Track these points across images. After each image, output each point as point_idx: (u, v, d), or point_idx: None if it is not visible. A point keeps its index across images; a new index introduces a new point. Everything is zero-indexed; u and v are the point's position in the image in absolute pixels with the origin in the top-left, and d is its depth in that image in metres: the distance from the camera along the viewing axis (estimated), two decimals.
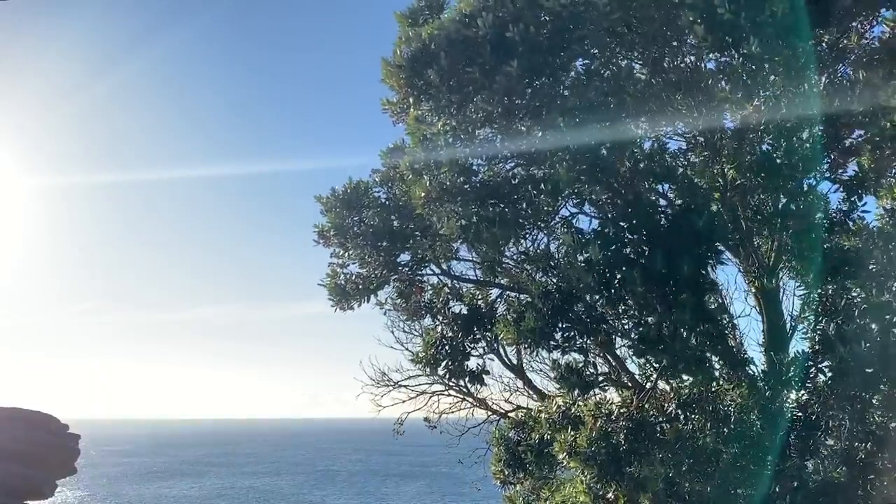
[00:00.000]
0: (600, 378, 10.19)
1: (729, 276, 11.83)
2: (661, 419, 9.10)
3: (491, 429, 11.89)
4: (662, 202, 9.74)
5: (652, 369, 9.57)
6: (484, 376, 11.57)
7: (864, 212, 8.72)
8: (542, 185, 9.12)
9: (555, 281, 9.60)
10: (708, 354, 8.63)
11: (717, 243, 8.69)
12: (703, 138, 9.23)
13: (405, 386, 12.42)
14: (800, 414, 8.58)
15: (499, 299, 11.57)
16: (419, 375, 12.24)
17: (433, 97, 8.76)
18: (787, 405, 8.47)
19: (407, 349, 12.24)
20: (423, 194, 8.93)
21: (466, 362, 11.42)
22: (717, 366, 8.95)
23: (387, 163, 10.74)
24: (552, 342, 9.24)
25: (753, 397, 8.52)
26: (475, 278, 11.74)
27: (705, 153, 9.43)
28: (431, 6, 10.05)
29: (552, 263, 9.80)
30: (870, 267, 8.16)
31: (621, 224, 8.92)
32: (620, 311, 9.10)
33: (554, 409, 9.77)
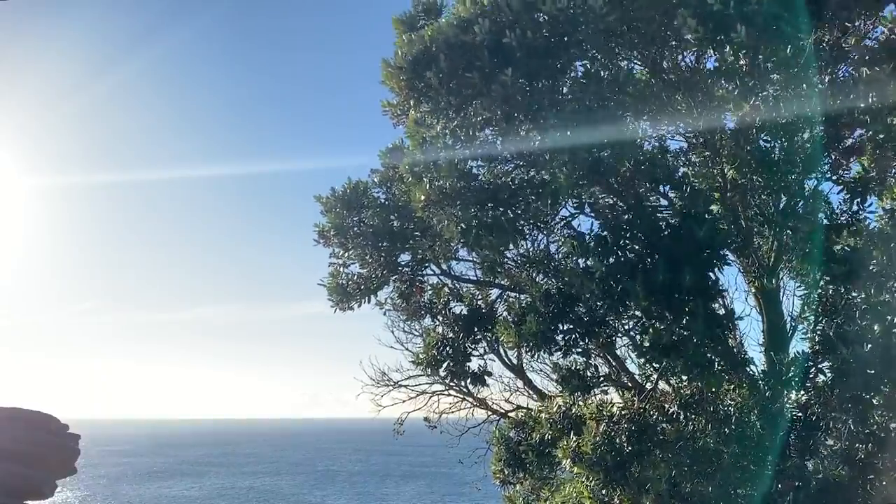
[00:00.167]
0: (601, 379, 10.19)
1: (729, 277, 11.84)
2: (662, 420, 9.10)
3: (491, 429, 11.89)
4: (664, 202, 9.74)
5: (652, 370, 9.57)
6: (486, 377, 11.56)
7: (869, 212, 8.71)
8: (542, 188, 9.12)
9: (555, 283, 9.59)
10: (716, 359, 8.61)
11: (719, 249, 8.67)
12: (703, 138, 9.23)
13: (405, 386, 12.44)
14: (800, 414, 8.58)
15: (499, 300, 11.56)
16: (419, 375, 12.25)
17: (433, 100, 8.74)
18: (788, 405, 8.47)
19: (407, 349, 12.26)
20: (422, 197, 8.93)
21: (468, 363, 11.42)
22: (722, 370, 8.95)
23: (386, 163, 10.73)
24: (554, 345, 9.23)
25: (754, 398, 8.51)
26: (475, 278, 11.73)
27: (705, 153, 9.42)
28: (428, 10, 10.06)
29: (552, 266, 9.79)
30: (870, 268, 8.15)
31: (622, 229, 8.91)
32: (622, 312, 9.09)
33: (555, 408, 9.77)
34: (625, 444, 8.61)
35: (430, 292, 11.84)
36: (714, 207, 9.11)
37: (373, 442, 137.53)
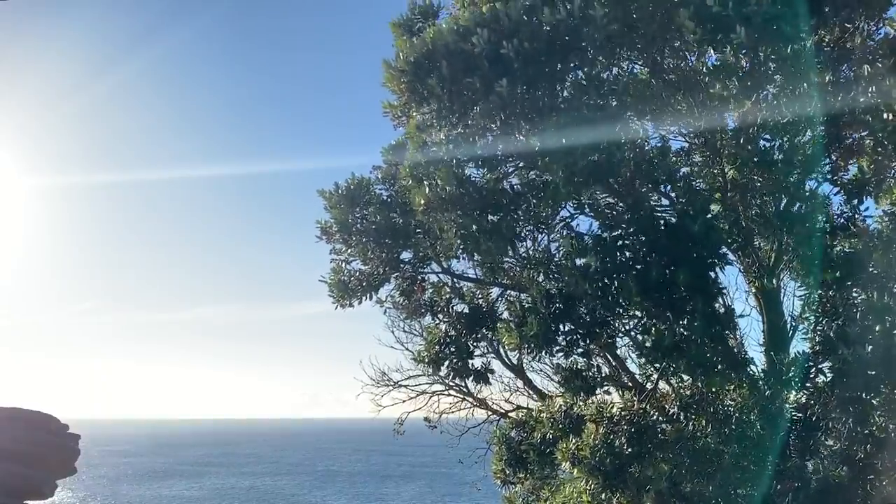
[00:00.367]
0: (603, 380, 10.18)
1: (729, 276, 11.84)
2: (662, 420, 9.10)
3: (491, 429, 11.88)
4: (665, 202, 9.74)
5: (653, 370, 9.56)
6: (489, 375, 11.53)
7: (866, 215, 8.71)
8: (542, 192, 9.12)
9: (556, 284, 9.58)
10: (717, 359, 8.61)
11: (716, 247, 8.66)
12: (703, 138, 9.22)
13: (405, 386, 12.43)
14: (800, 414, 8.58)
15: (500, 298, 11.54)
16: (419, 375, 12.24)
17: (434, 104, 8.73)
18: (788, 406, 8.46)
19: (407, 349, 12.25)
20: (422, 202, 8.92)
21: (470, 361, 11.38)
22: (718, 367, 8.94)
23: (388, 160, 10.71)
24: (555, 346, 9.21)
25: (754, 398, 8.51)
26: (476, 277, 11.71)
27: (706, 153, 9.42)
28: (425, 13, 10.04)
29: (553, 267, 9.78)
30: (870, 269, 8.15)
31: (621, 228, 8.91)
32: (622, 312, 9.09)
33: (556, 408, 9.76)
34: (624, 446, 8.61)
35: (431, 290, 11.82)
36: (715, 207, 9.11)
37: (373, 442, 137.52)
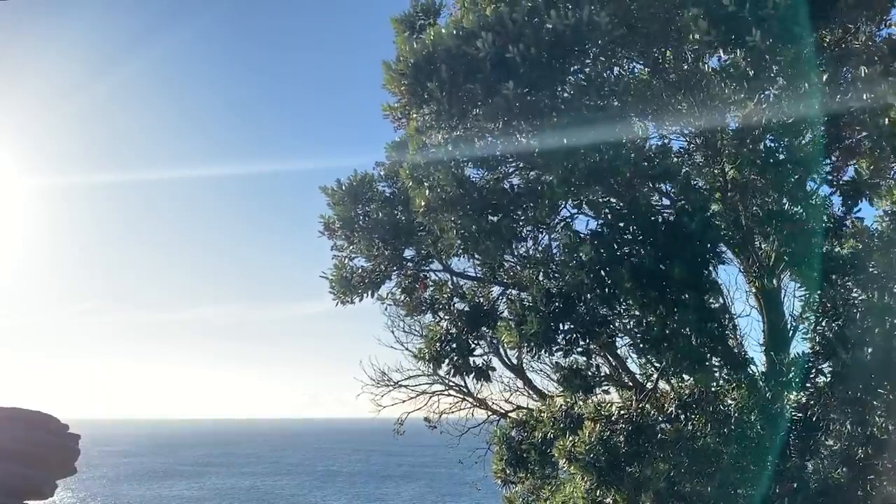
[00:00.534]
0: (602, 379, 10.19)
1: (730, 276, 11.83)
2: (661, 420, 9.10)
3: (491, 429, 11.88)
4: (665, 201, 9.74)
5: (653, 369, 9.57)
6: (490, 373, 11.52)
7: (859, 218, 8.73)
8: (541, 193, 9.12)
9: (555, 283, 9.59)
10: (708, 354, 8.61)
11: (712, 244, 8.67)
12: (703, 138, 9.22)
13: (405, 386, 12.43)
14: (800, 415, 8.58)
15: (500, 297, 11.54)
16: (419, 375, 12.25)
17: (434, 107, 8.72)
18: (788, 406, 8.46)
19: (407, 349, 12.24)
20: (423, 203, 8.92)
21: (472, 358, 11.37)
22: (717, 366, 8.94)
23: (391, 157, 10.67)
24: (555, 345, 9.22)
25: (754, 398, 8.51)
26: (477, 276, 11.71)
27: (707, 153, 9.42)
28: (427, 11, 10.03)
29: (552, 266, 9.78)
30: (870, 269, 8.15)
31: (619, 225, 8.91)
32: (622, 310, 9.10)
33: (556, 408, 9.77)
34: (621, 445, 8.61)
35: (432, 288, 11.81)
36: (714, 207, 9.12)
37: (373, 442, 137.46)
